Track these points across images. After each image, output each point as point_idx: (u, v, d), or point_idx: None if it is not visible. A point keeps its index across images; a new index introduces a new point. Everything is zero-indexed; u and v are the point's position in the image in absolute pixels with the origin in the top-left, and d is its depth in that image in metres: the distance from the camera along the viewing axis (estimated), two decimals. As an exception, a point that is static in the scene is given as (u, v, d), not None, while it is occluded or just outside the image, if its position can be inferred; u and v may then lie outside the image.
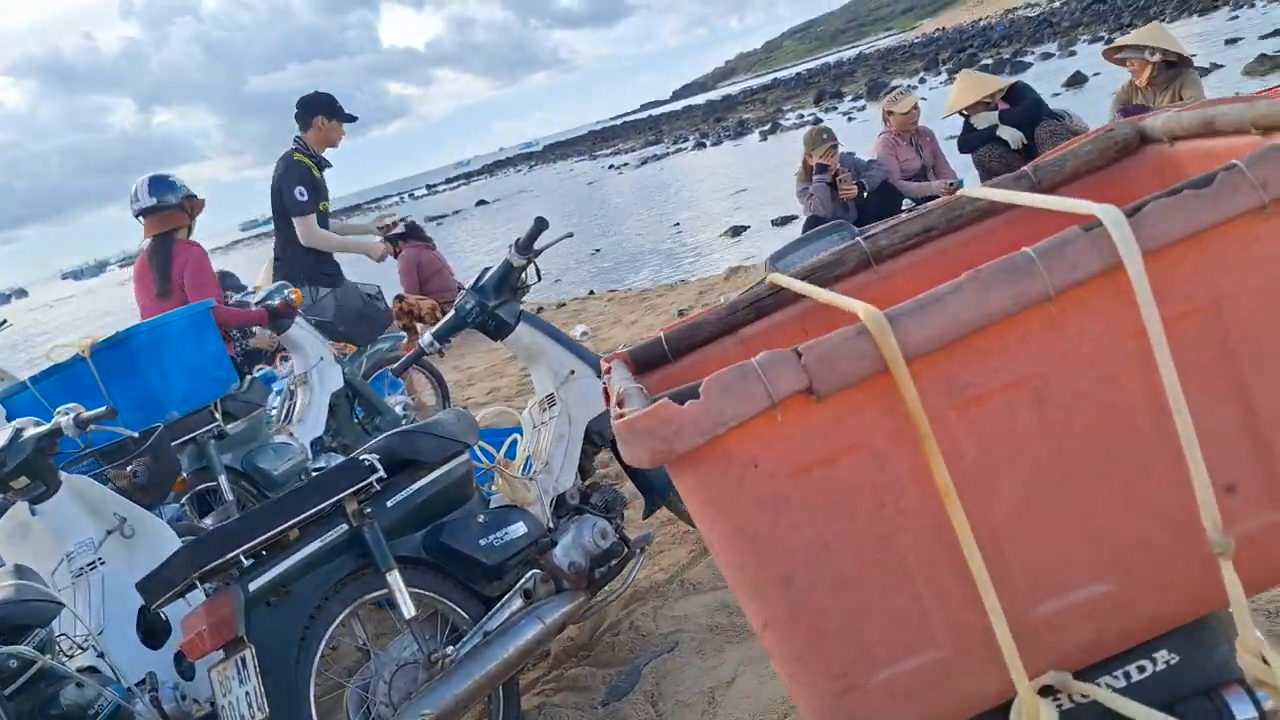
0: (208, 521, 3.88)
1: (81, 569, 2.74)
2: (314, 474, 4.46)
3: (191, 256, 4.52)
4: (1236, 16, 26.91)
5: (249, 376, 5.06)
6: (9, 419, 3.14)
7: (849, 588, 0.93)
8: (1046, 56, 31.28)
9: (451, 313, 3.17)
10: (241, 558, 2.26)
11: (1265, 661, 0.91)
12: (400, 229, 6.56)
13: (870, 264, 1.39)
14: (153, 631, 2.77)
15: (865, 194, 6.22)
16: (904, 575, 0.94)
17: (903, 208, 6.25)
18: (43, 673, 2.25)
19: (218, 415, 4.05)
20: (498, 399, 6.28)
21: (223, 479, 3.92)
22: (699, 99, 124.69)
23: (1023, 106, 6.08)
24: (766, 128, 34.84)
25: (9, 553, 2.78)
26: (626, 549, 3.04)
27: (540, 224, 3.07)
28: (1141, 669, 1.03)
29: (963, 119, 6.34)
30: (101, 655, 2.52)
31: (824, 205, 6.21)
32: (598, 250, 15.97)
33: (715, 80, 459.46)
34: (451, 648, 2.49)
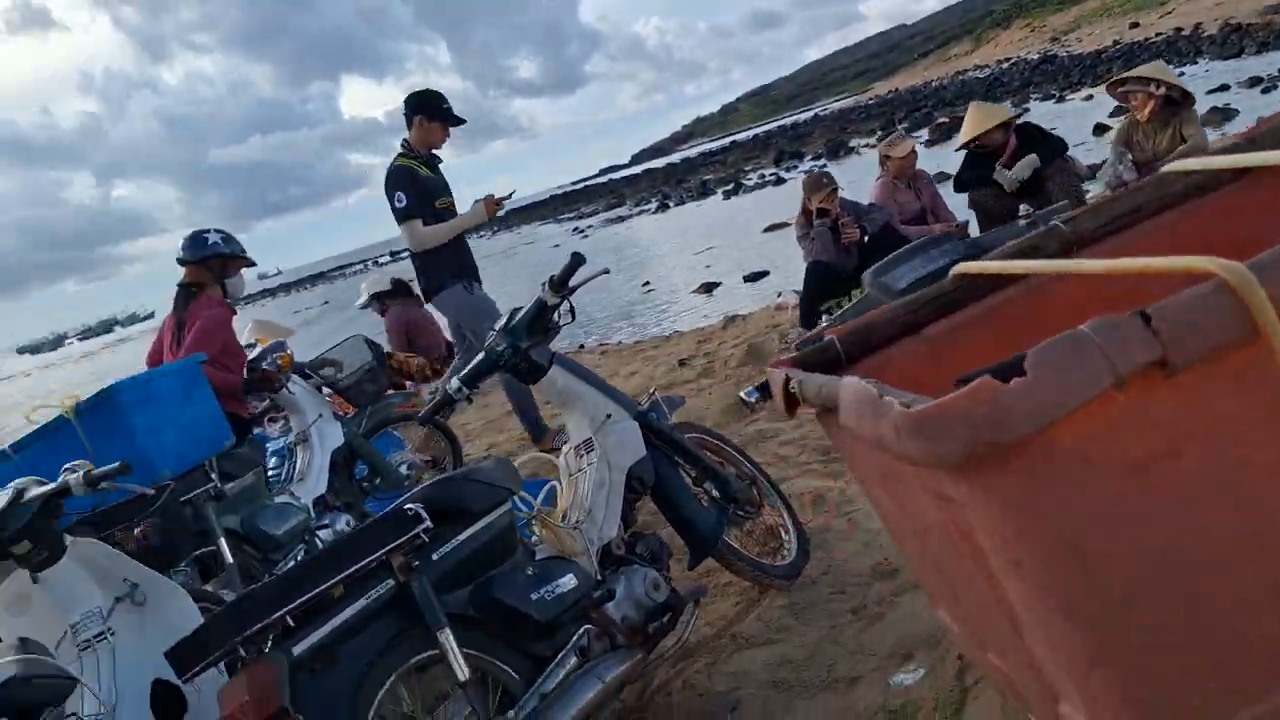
0: (208, 589, 3.61)
1: (89, 641, 2.48)
2: (318, 534, 4.22)
3: (205, 314, 4.46)
4: (1183, 73, 27.83)
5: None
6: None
7: (1203, 611, 0.75)
8: (1002, 113, 31.88)
9: (481, 354, 3.00)
10: (288, 619, 2.03)
11: None
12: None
13: (1071, 249, 1.24)
14: (169, 707, 2.50)
15: (867, 238, 6.15)
16: (1271, 590, 0.77)
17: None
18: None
19: (214, 475, 3.79)
20: (499, 455, 6.04)
21: (222, 542, 3.64)
22: (659, 162, 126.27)
23: (1049, 145, 5.94)
24: (729, 187, 35.11)
25: (7, 626, 2.51)
26: (679, 601, 2.83)
27: (576, 259, 2.93)
28: None
29: (966, 154, 6.29)
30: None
31: (826, 250, 6.13)
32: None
33: (674, 144, 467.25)
34: (512, 712, 2.27)
